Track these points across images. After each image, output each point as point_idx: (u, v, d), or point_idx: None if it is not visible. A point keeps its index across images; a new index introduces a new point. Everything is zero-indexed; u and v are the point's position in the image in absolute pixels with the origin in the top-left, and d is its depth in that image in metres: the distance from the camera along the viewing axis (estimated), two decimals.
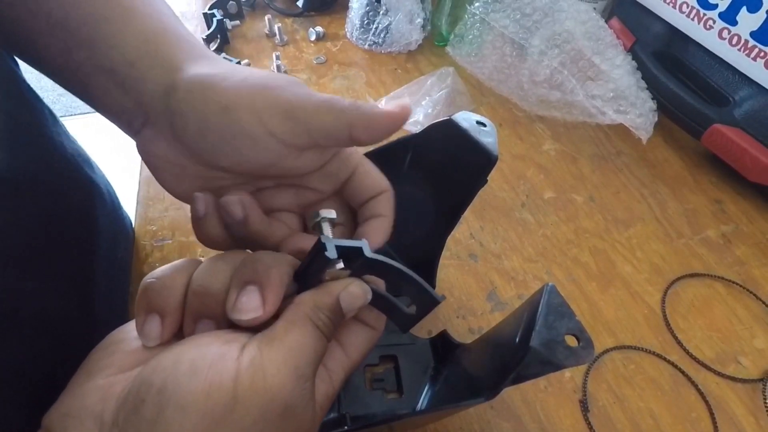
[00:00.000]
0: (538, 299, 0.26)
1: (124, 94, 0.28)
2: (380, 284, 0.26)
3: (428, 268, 0.41)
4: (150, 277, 0.24)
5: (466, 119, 0.34)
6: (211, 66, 0.27)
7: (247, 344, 0.21)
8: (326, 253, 0.21)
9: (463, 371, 0.34)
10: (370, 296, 0.24)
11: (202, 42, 0.33)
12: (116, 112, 0.29)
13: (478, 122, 0.34)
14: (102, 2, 0.27)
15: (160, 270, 0.24)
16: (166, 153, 0.28)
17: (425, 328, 0.40)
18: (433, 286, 0.41)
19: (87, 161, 0.40)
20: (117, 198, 0.46)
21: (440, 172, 0.36)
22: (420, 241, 0.39)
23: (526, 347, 0.24)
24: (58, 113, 0.41)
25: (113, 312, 0.43)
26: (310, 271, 0.24)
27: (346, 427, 0.30)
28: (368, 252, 0.23)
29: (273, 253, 0.25)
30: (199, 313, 0.23)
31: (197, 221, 0.28)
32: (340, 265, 0.23)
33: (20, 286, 0.29)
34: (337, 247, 0.22)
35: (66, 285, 0.34)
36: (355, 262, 0.24)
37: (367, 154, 0.36)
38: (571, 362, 0.24)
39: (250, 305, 0.22)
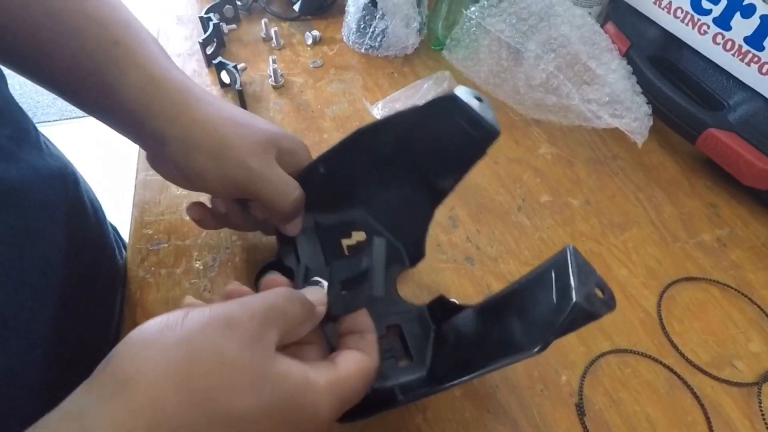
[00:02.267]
0: (563, 260, 0.28)
1: (130, 132, 0.36)
2: None
3: (416, 240, 0.41)
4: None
5: (466, 94, 0.34)
6: (195, 123, 0.34)
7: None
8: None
9: (480, 330, 0.34)
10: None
11: (191, 84, 0.36)
12: (131, 137, 0.37)
13: (476, 97, 0.34)
14: (105, 51, 0.33)
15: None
16: (171, 172, 0.36)
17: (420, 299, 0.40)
18: (422, 255, 0.42)
19: (72, 174, 0.40)
20: (101, 210, 0.46)
21: (435, 149, 0.36)
22: (406, 218, 0.40)
23: (570, 302, 0.26)
24: (53, 117, 0.41)
25: (100, 319, 0.42)
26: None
27: (399, 399, 0.32)
28: None
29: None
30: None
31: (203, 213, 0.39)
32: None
33: (4, 297, 0.29)
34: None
35: (46, 298, 0.34)
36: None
37: (345, 140, 0.36)
38: (605, 310, 0.26)
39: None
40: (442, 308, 0.38)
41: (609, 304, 0.26)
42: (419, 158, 0.37)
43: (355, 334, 0.30)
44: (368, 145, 0.37)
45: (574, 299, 0.26)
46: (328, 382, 0.25)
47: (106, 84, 0.33)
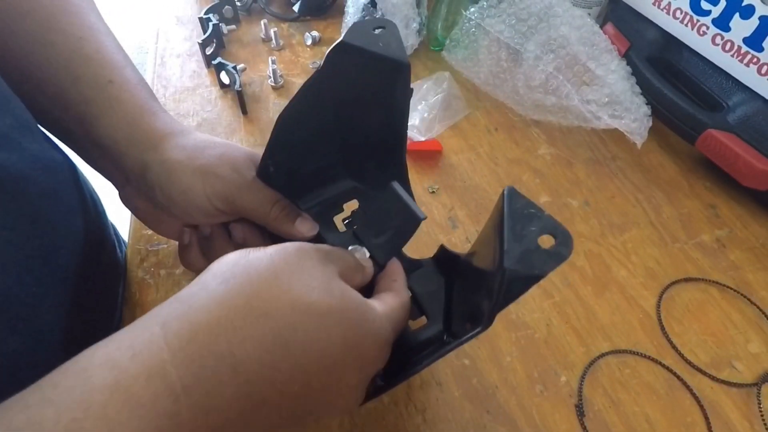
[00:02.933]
0: (500, 210, 0.25)
1: (109, 162, 0.37)
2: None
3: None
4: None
5: (359, 32, 0.30)
6: (177, 147, 0.35)
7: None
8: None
9: (468, 285, 0.33)
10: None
11: (174, 121, 0.38)
12: (104, 171, 0.39)
13: (374, 28, 0.30)
14: (98, 88, 0.35)
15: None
16: (144, 207, 0.38)
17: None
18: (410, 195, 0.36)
19: (71, 167, 0.40)
20: (101, 205, 0.46)
21: (362, 99, 0.34)
22: (385, 173, 0.37)
23: (502, 270, 0.23)
24: None
25: (101, 313, 0.43)
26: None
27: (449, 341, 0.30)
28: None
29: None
30: None
31: (183, 248, 0.39)
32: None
33: (10, 282, 0.29)
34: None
35: (50, 285, 0.34)
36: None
37: (276, 133, 0.34)
38: (551, 266, 0.23)
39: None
40: (446, 259, 0.36)
41: (558, 253, 0.23)
42: (357, 114, 0.35)
43: (385, 280, 0.32)
44: (305, 126, 0.34)
45: (505, 265, 0.23)
46: (383, 309, 0.28)
47: (91, 116, 0.35)
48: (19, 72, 0.35)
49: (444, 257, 0.36)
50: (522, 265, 0.23)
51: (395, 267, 0.34)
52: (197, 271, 0.36)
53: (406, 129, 0.36)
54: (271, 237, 0.38)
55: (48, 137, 0.38)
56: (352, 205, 0.38)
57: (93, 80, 0.36)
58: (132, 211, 0.40)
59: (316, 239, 0.36)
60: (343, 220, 0.38)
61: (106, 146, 0.36)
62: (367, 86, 0.33)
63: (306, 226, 0.36)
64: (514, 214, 0.24)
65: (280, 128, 0.33)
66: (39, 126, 0.38)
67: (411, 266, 0.36)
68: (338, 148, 0.37)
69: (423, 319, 0.34)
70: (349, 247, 0.34)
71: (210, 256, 0.39)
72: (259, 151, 0.35)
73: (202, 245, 0.39)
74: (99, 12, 0.41)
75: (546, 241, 0.23)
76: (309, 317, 0.24)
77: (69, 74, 0.35)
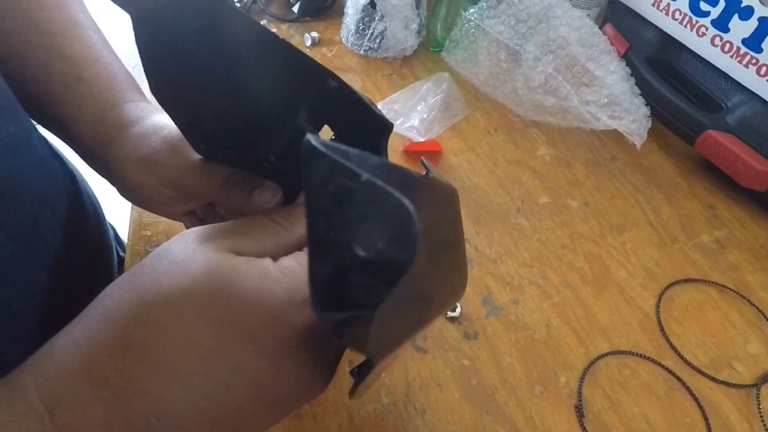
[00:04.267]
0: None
1: (90, 162, 0.36)
2: None
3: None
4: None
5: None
6: (129, 139, 0.33)
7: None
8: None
9: None
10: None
11: (137, 107, 0.36)
12: (90, 166, 0.38)
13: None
14: (67, 87, 0.34)
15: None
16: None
17: None
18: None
19: (71, 174, 0.40)
20: (101, 208, 0.46)
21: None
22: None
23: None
24: None
25: None
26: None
27: None
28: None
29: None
30: None
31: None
32: None
33: (13, 291, 0.29)
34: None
35: (52, 295, 0.34)
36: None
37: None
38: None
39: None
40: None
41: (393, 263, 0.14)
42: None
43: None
44: (194, 94, 0.27)
45: (311, 307, 0.16)
46: (284, 268, 0.22)
47: (63, 117, 0.35)
48: (8, 75, 0.34)
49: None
50: (333, 304, 0.15)
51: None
52: None
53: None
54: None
55: (48, 143, 0.38)
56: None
57: (63, 79, 0.35)
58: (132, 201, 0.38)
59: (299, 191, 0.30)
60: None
61: (80, 145, 0.35)
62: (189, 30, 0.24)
63: (265, 196, 0.30)
64: (317, 192, 0.15)
65: (168, 109, 0.28)
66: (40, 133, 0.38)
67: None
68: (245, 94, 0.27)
69: None
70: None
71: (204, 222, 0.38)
72: None
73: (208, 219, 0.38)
74: (82, 1, 0.40)
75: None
76: (155, 308, 0.21)
77: (44, 74, 0.35)
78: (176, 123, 0.29)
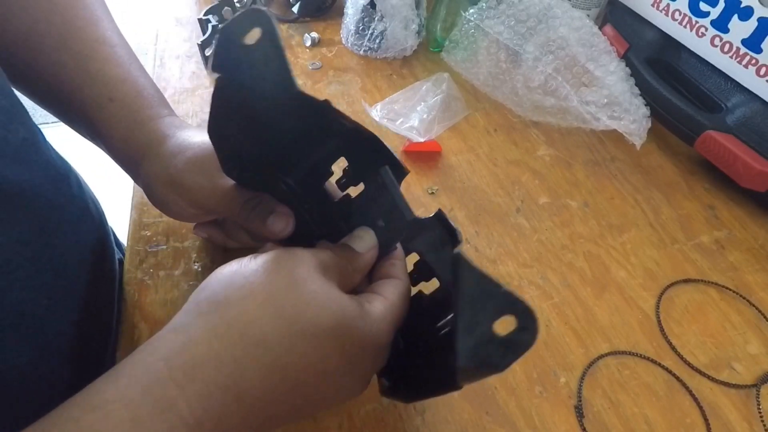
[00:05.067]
0: (451, 279, 0.22)
1: (118, 162, 0.39)
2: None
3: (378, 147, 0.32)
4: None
5: (226, 54, 0.26)
6: (156, 157, 0.36)
7: None
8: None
9: None
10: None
11: (166, 122, 0.38)
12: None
13: (247, 30, 0.27)
14: (100, 107, 0.37)
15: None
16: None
17: None
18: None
19: (75, 177, 0.41)
20: (103, 213, 0.46)
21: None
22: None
23: (453, 369, 0.21)
24: (52, 118, 0.41)
25: (105, 320, 0.43)
26: None
27: None
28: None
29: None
30: None
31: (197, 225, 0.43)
32: None
33: (10, 294, 0.30)
34: None
35: (60, 297, 0.34)
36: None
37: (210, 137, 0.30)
38: (510, 359, 0.20)
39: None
40: (446, 222, 0.32)
41: (520, 341, 0.20)
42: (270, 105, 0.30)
43: (385, 262, 0.32)
44: (238, 128, 0.31)
45: (458, 364, 0.21)
46: (381, 309, 0.28)
47: (96, 134, 0.38)
48: (38, 90, 0.38)
49: (443, 219, 0.31)
50: (475, 361, 0.21)
51: (394, 250, 0.32)
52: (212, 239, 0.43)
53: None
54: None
55: (51, 147, 0.39)
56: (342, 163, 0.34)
57: (95, 101, 0.37)
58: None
59: (312, 214, 0.35)
60: (337, 182, 0.34)
61: (115, 158, 0.39)
62: (263, 86, 0.29)
63: (279, 224, 0.33)
64: (467, 292, 0.21)
65: (216, 144, 0.31)
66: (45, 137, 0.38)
67: (415, 226, 0.32)
68: (291, 126, 0.31)
69: (435, 282, 0.32)
70: (356, 230, 0.32)
71: (223, 227, 0.42)
72: None
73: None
74: (111, 15, 0.42)
75: (505, 326, 0.20)
76: (304, 339, 0.25)
77: (76, 96, 0.37)
78: (218, 155, 0.32)
